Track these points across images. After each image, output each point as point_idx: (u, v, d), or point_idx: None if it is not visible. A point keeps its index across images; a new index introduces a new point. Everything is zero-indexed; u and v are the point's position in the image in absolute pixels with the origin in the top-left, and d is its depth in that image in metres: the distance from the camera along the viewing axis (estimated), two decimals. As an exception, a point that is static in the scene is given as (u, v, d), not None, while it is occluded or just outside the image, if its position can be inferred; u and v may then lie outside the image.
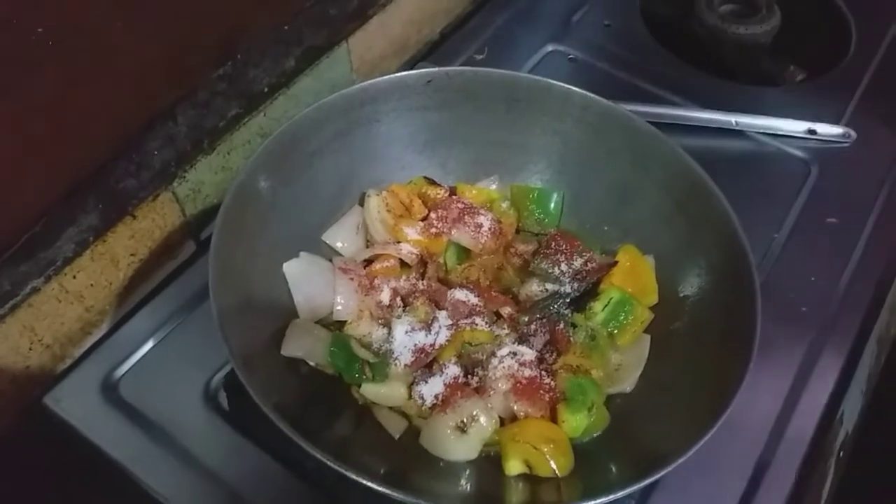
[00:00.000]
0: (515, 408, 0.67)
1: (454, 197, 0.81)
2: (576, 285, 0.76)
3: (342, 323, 0.73)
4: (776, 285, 0.82)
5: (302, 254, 0.75)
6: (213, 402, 0.72)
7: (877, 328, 0.86)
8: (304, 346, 0.69)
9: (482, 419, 0.66)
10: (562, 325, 0.73)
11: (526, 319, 0.74)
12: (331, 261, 0.77)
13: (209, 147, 0.82)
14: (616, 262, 0.76)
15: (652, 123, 0.78)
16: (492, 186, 0.85)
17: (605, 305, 0.73)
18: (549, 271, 0.76)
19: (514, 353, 0.70)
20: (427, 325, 0.71)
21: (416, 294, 0.74)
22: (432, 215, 0.79)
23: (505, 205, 0.83)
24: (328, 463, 0.55)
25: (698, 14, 1.12)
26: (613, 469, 0.65)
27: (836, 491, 0.82)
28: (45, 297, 0.71)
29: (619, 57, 1.07)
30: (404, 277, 0.76)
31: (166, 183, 0.79)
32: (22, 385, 0.73)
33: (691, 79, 1.05)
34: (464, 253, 0.79)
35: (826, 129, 0.99)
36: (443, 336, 0.70)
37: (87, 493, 0.72)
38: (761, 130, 0.99)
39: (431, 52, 1.07)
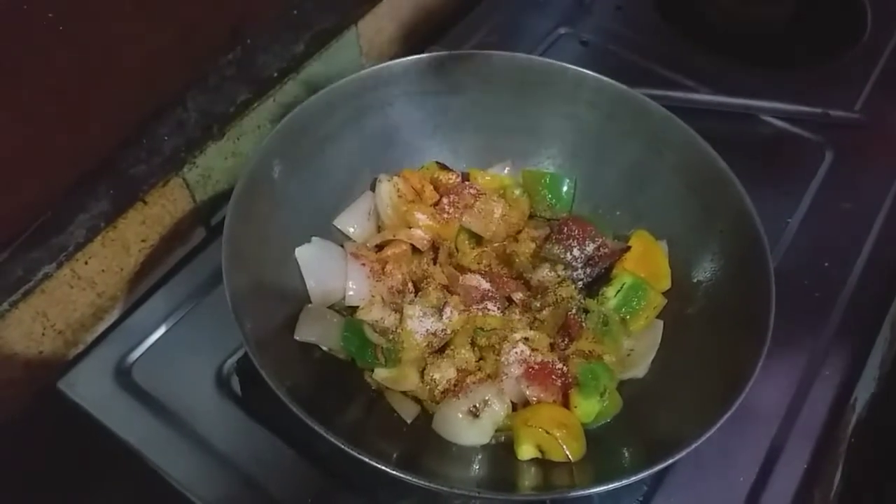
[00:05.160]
0: (528, 393, 0.67)
1: (466, 183, 0.81)
2: (588, 270, 0.76)
3: (354, 308, 0.73)
4: (789, 270, 0.82)
5: (314, 239, 0.75)
6: (226, 386, 0.73)
7: (890, 314, 0.85)
8: (316, 330, 0.69)
9: (495, 404, 0.66)
10: (574, 311, 0.73)
11: (538, 305, 0.74)
12: (343, 246, 0.77)
13: (219, 133, 0.82)
14: (629, 247, 0.76)
15: (665, 107, 0.77)
16: (504, 171, 0.84)
17: (618, 291, 0.73)
18: (562, 256, 0.75)
19: (527, 339, 0.70)
20: (439, 311, 0.71)
21: (428, 279, 0.74)
22: (444, 201, 0.79)
23: (518, 191, 0.82)
24: (341, 447, 0.55)
25: (712, -4, 1.11)
26: (626, 454, 0.65)
27: (847, 477, 0.82)
28: (57, 283, 0.71)
29: (632, 40, 1.06)
30: (416, 263, 0.76)
31: (176, 169, 0.79)
32: (35, 370, 0.73)
33: (705, 62, 1.04)
34: (475, 238, 0.79)
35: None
36: (455, 321, 0.70)
37: (101, 476, 0.73)
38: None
39: (442, 35, 1.06)
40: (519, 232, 0.80)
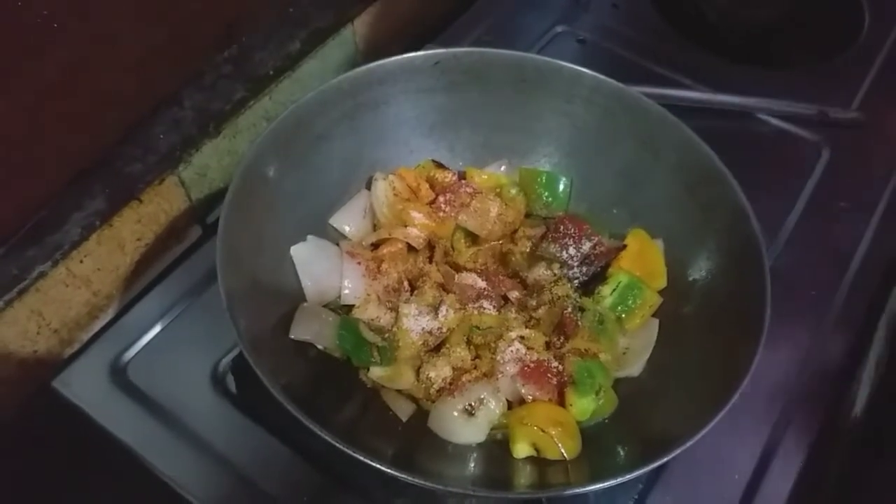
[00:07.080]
0: (523, 391, 0.67)
1: (463, 181, 0.81)
2: (584, 269, 0.76)
3: (350, 307, 0.73)
4: (786, 269, 0.82)
5: (309, 237, 0.75)
6: (221, 385, 0.73)
7: (886, 313, 0.85)
8: (312, 329, 0.69)
9: (490, 402, 0.66)
10: (570, 309, 0.73)
11: (534, 303, 0.74)
12: (338, 244, 0.76)
13: (215, 131, 0.82)
14: (625, 246, 0.76)
15: (662, 105, 0.77)
16: (501, 170, 0.84)
17: (614, 289, 0.73)
18: (558, 255, 0.75)
19: (522, 337, 0.70)
20: (435, 309, 0.70)
21: (424, 278, 0.74)
22: (440, 199, 0.79)
23: (514, 190, 0.82)
24: (337, 445, 0.55)
25: (709, -5, 1.11)
26: (621, 452, 0.65)
27: (842, 476, 0.82)
28: (52, 281, 0.71)
29: (628, 38, 1.06)
30: (412, 261, 0.76)
31: (172, 167, 0.79)
32: (30, 369, 0.73)
33: (701, 60, 1.04)
34: (471, 237, 0.79)
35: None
36: (450, 320, 0.70)
37: (96, 475, 0.72)
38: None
39: (439, 33, 1.06)
40: (515, 230, 0.80)
